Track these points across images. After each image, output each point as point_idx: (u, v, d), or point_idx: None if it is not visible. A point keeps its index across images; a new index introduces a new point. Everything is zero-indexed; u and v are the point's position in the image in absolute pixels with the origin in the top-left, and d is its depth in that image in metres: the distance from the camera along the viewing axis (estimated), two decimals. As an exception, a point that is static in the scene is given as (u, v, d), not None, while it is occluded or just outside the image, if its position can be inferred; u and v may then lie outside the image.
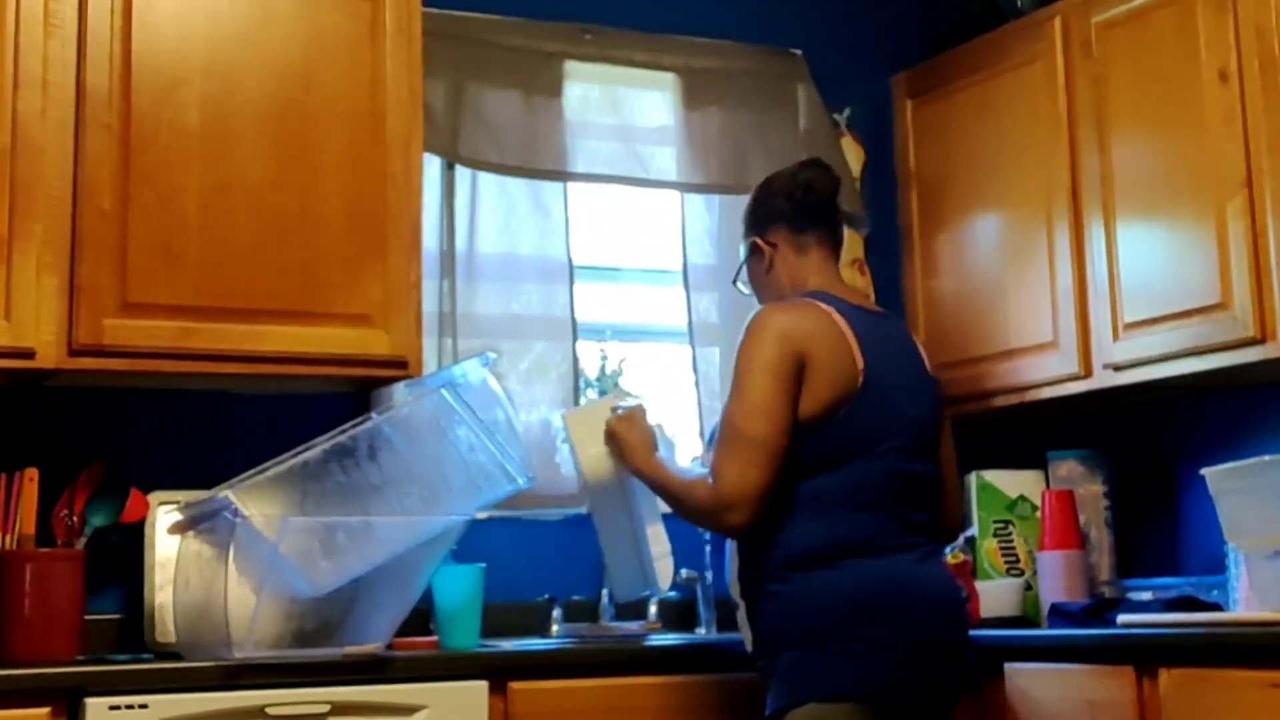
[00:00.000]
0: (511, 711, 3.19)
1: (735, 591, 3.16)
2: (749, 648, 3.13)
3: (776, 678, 3.00)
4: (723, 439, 3.05)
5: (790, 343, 3.02)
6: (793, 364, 3.01)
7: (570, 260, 4.16)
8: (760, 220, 3.28)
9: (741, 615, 3.14)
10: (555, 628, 3.91)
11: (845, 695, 2.93)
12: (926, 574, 3.05)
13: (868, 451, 3.03)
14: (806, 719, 2.92)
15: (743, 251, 3.33)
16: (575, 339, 4.14)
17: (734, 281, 3.40)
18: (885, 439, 3.05)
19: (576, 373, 4.14)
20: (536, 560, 4.00)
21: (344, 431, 3.24)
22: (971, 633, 3.15)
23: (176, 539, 3.30)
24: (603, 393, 4.50)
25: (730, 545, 3.19)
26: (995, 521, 4.14)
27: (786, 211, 3.24)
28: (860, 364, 3.04)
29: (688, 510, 3.12)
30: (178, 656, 3.19)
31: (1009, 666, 3.44)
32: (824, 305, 3.10)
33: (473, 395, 3.40)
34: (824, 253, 3.24)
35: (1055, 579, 3.84)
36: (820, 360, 3.03)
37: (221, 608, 3.07)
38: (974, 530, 4.12)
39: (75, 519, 3.38)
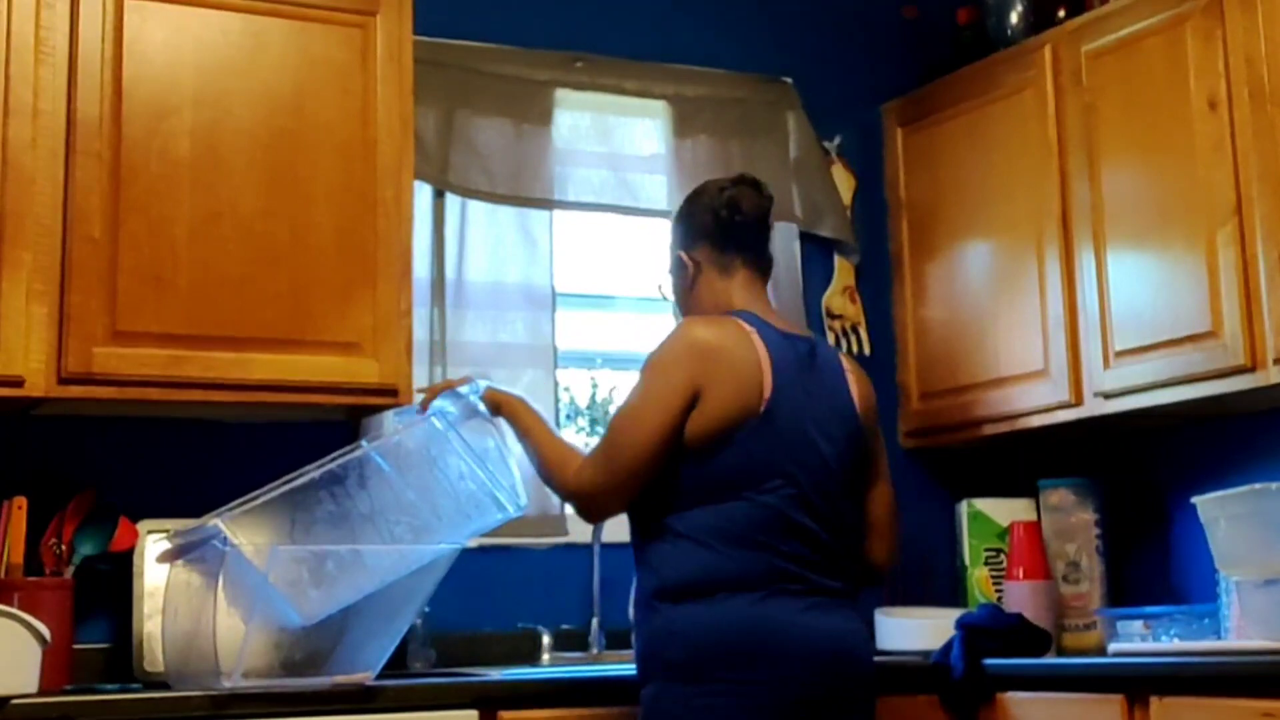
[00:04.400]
0: (501, 741, 3.18)
1: (632, 615, 3.14)
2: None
3: (641, 708, 2.97)
4: (603, 436, 3.06)
5: (697, 360, 2.95)
6: (690, 384, 2.94)
7: (554, 289, 4.15)
8: (685, 234, 3.17)
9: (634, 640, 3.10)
10: (545, 657, 3.90)
11: None
12: (810, 623, 2.90)
13: (756, 485, 2.92)
14: None
15: (669, 262, 3.23)
16: (555, 367, 4.13)
17: (659, 289, 3.29)
18: (777, 474, 2.93)
19: (556, 400, 4.13)
20: (525, 589, 3.99)
21: (334, 460, 3.23)
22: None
23: (165, 568, 3.28)
24: (592, 420, 4.50)
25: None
26: (986, 550, 4.15)
27: (711, 229, 3.13)
28: (767, 391, 2.94)
29: (549, 479, 3.16)
30: (166, 686, 3.18)
31: (1000, 695, 3.44)
32: (745, 324, 3.02)
33: (463, 423, 3.39)
34: (750, 275, 3.13)
35: (1024, 609, 3.84)
36: (722, 380, 2.93)
37: (209, 637, 3.05)
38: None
39: (64, 548, 3.37)
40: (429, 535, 3.24)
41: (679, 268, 3.19)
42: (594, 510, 3.10)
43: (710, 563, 2.92)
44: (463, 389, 3.35)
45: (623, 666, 3.69)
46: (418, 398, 3.46)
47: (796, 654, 2.88)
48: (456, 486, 3.31)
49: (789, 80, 4.51)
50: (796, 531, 2.94)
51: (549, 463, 3.14)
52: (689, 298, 3.18)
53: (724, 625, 2.88)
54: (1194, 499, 3.35)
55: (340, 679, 3.11)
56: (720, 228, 3.13)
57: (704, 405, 2.94)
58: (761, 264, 3.17)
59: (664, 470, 2.96)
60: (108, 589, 3.52)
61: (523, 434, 3.23)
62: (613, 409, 3.09)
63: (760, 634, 2.87)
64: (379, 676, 3.37)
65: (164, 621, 3.30)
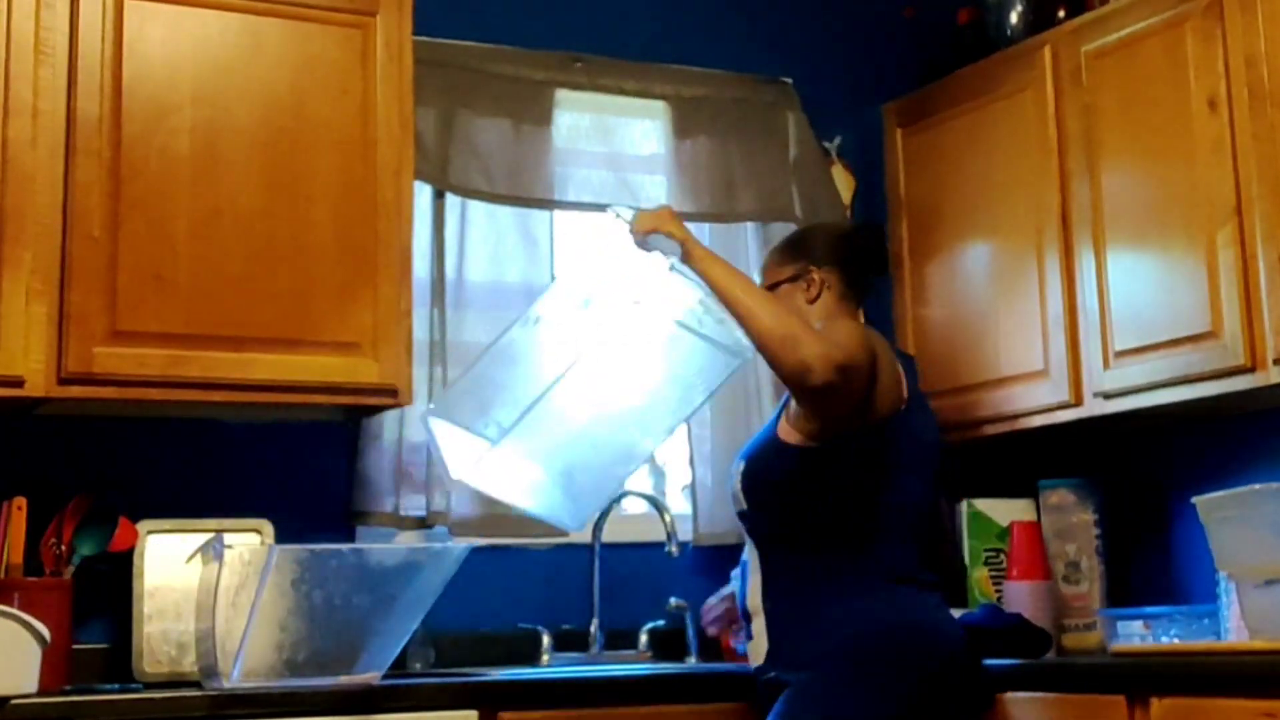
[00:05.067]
0: (502, 741, 3.18)
1: (755, 603, 3.14)
2: (757, 660, 3.12)
3: (792, 695, 3.00)
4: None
5: (871, 345, 3.12)
6: (872, 361, 3.10)
7: (553, 289, 4.16)
8: (814, 254, 3.35)
9: (758, 626, 3.13)
10: (545, 657, 3.90)
11: None
12: (946, 619, 3.14)
13: (900, 476, 3.12)
14: None
15: (780, 271, 3.36)
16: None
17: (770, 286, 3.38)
18: (915, 467, 3.15)
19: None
20: (525, 589, 3.99)
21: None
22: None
23: (163, 569, 3.28)
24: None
25: (753, 558, 3.17)
26: (986, 550, 4.14)
27: (847, 261, 3.34)
28: (905, 393, 3.16)
29: (772, 324, 3.03)
30: (166, 687, 3.18)
31: (1000, 695, 3.43)
32: (874, 331, 3.23)
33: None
34: (856, 313, 3.36)
35: (1024, 609, 3.84)
36: (879, 377, 3.11)
37: (212, 636, 3.07)
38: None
39: (63, 548, 3.37)
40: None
41: (803, 280, 3.33)
42: (833, 373, 2.97)
43: (870, 553, 3.06)
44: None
45: (623, 667, 3.69)
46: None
47: (943, 647, 3.06)
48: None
49: (789, 80, 4.51)
50: (932, 529, 3.18)
51: (763, 299, 3.12)
52: (804, 309, 3.29)
53: (889, 617, 3.01)
54: (1194, 499, 3.35)
55: (345, 679, 3.11)
56: (858, 266, 3.36)
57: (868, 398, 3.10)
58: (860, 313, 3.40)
59: (811, 463, 3.11)
60: (107, 589, 3.52)
61: (728, 280, 3.17)
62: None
63: (918, 627, 3.03)
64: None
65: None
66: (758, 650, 3.14)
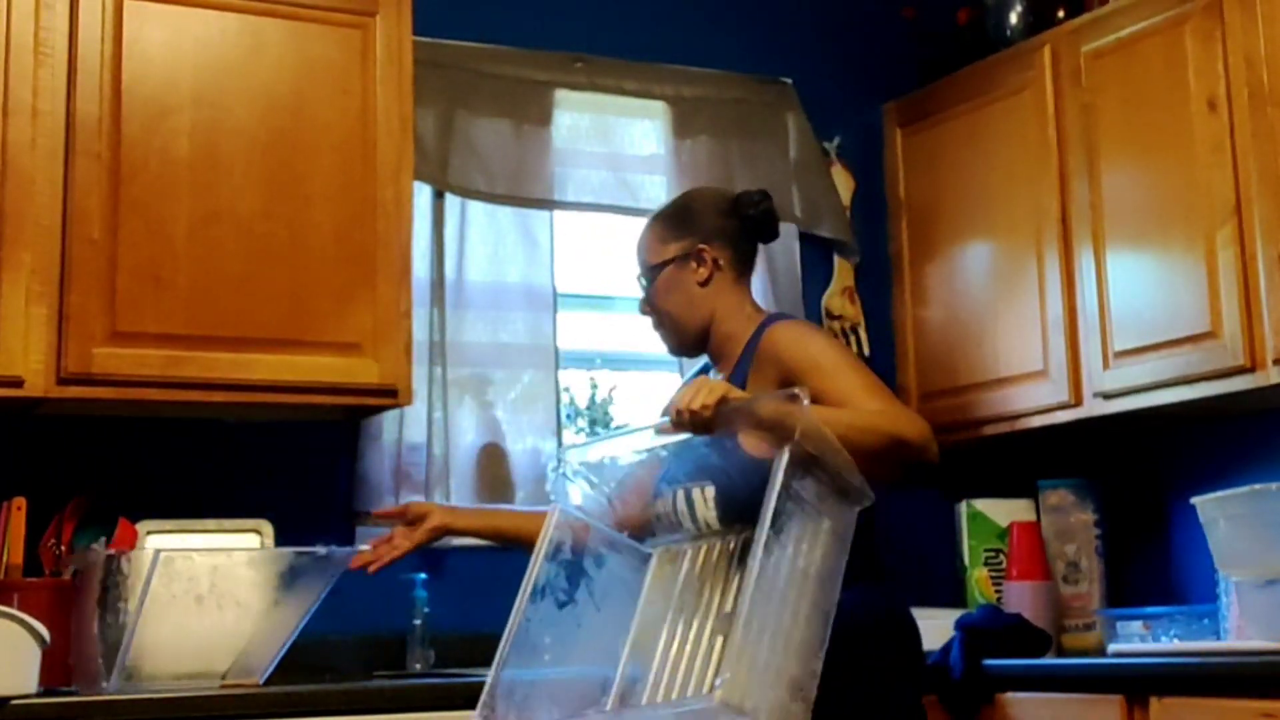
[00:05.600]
0: (501, 742, 3.18)
1: None
2: None
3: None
4: (861, 388, 2.72)
5: None
6: None
7: (554, 289, 4.15)
8: (706, 230, 2.97)
9: None
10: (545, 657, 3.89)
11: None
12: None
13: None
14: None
15: (664, 251, 2.97)
16: (558, 368, 4.13)
17: (641, 277, 3.03)
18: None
19: (559, 402, 4.13)
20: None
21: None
22: None
23: (160, 572, 3.27)
24: (592, 421, 4.49)
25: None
26: (985, 550, 4.14)
27: (734, 234, 2.98)
28: None
29: (889, 434, 2.66)
30: (165, 687, 3.18)
31: (1000, 696, 3.44)
32: None
33: None
34: (748, 291, 3.01)
35: (1023, 609, 3.84)
36: None
37: (211, 638, 3.07)
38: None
39: (63, 548, 3.36)
40: None
41: (692, 261, 2.96)
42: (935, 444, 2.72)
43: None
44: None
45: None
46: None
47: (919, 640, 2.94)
48: None
49: (789, 81, 4.51)
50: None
51: (861, 417, 2.67)
52: (694, 292, 2.97)
53: (877, 607, 2.86)
54: (1194, 499, 3.35)
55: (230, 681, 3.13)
56: (745, 235, 2.99)
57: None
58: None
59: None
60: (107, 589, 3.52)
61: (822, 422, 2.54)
62: (805, 380, 2.66)
63: (902, 621, 2.90)
64: (379, 676, 3.39)
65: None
66: None
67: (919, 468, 2.72)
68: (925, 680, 2.99)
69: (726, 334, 2.95)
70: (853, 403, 2.69)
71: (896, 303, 4.48)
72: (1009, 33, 4.26)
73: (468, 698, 3.16)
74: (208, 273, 3.38)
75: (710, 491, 2.77)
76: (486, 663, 3.77)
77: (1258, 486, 3.24)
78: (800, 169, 4.44)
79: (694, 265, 2.94)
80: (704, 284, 2.95)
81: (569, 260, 4.28)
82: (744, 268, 2.99)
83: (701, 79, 4.39)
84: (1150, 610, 3.67)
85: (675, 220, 3.00)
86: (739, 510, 2.69)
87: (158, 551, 3.09)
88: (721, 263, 2.95)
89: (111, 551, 3.13)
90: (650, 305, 3.00)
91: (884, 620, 2.92)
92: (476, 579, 3.80)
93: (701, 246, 2.94)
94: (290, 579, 3.23)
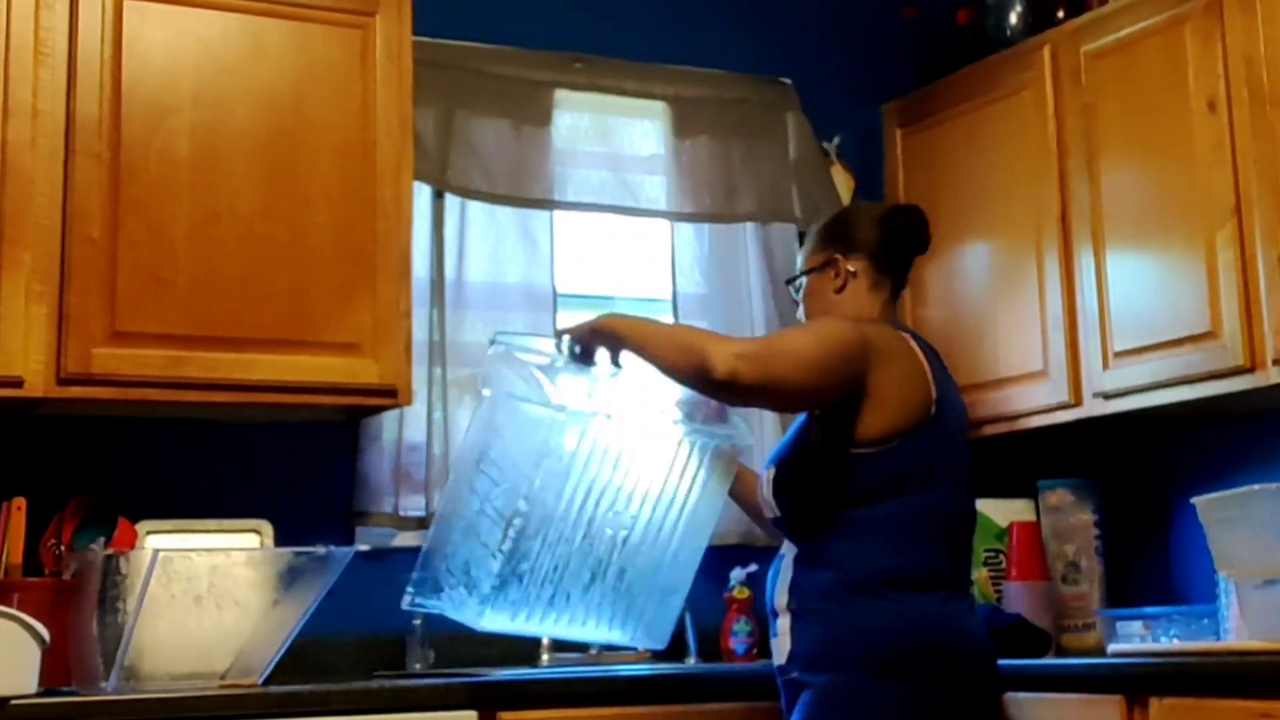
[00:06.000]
0: (500, 742, 3.18)
1: (781, 603, 3.13)
2: (780, 659, 3.11)
3: (812, 698, 2.99)
4: (763, 339, 3.07)
5: (864, 348, 3.00)
6: (855, 364, 2.99)
7: (554, 289, 4.15)
8: (847, 241, 3.22)
9: (783, 625, 3.12)
10: (544, 657, 3.90)
11: None
12: (974, 626, 3.05)
13: (931, 479, 3.02)
14: None
15: (810, 260, 3.26)
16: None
17: (788, 282, 3.36)
18: (943, 471, 3.05)
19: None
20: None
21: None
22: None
23: (159, 572, 3.28)
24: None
25: (786, 557, 3.15)
26: (986, 551, 4.14)
27: (877, 245, 3.21)
28: (934, 393, 3.05)
29: (671, 348, 3.01)
30: (165, 687, 3.18)
31: (1000, 696, 3.43)
32: (902, 332, 3.13)
33: None
34: (890, 299, 3.24)
35: (1023, 609, 3.84)
36: (894, 380, 3.02)
37: (211, 638, 3.07)
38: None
39: (63, 548, 3.37)
40: None
41: (830, 269, 3.21)
42: (747, 374, 2.92)
43: (902, 559, 2.99)
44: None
45: (621, 667, 3.69)
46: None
47: (973, 652, 3.00)
48: None
49: (788, 81, 4.51)
50: (966, 530, 3.11)
51: (680, 349, 3.02)
52: (831, 300, 3.21)
53: (917, 622, 2.95)
54: (1193, 499, 3.35)
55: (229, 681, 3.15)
56: (887, 248, 3.22)
57: (878, 403, 3.01)
58: (899, 293, 3.29)
59: (839, 467, 3.03)
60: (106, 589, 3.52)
61: (638, 346, 3.07)
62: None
63: (945, 634, 2.97)
64: (379, 676, 3.38)
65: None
66: (781, 649, 3.13)
67: (721, 398, 3.07)
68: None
69: None
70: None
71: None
72: (1009, 33, 4.26)
73: (468, 698, 3.17)
74: (208, 273, 3.38)
75: (771, 472, 3.14)
76: (486, 663, 3.80)
77: (1257, 486, 3.23)
78: (800, 169, 4.44)
79: (831, 274, 3.20)
80: (839, 291, 3.20)
81: (569, 260, 4.28)
82: (882, 277, 3.21)
83: (701, 79, 4.40)
84: (1150, 610, 3.67)
85: (826, 231, 3.27)
86: (788, 492, 3.10)
87: (157, 551, 3.10)
88: (858, 272, 3.20)
89: (111, 551, 3.14)
90: (800, 307, 3.28)
91: (903, 641, 2.96)
92: (476, 579, 3.81)
93: (837, 256, 3.20)
94: (290, 579, 3.24)
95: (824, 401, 2.99)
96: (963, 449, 3.12)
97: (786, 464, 3.13)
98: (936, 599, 2.98)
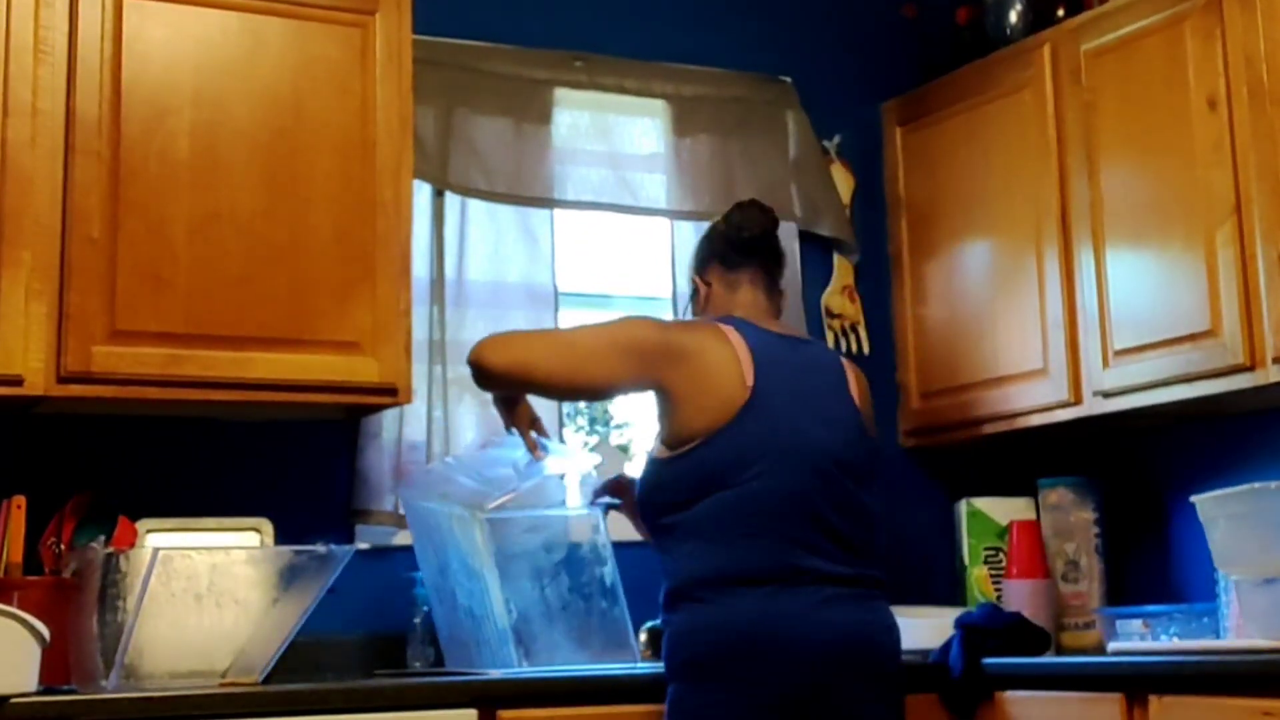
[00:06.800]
0: (500, 740, 3.18)
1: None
2: None
3: (666, 709, 3.02)
4: (546, 331, 3.54)
5: (661, 348, 3.11)
6: (647, 361, 3.10)
7: (555, 288, 4.15)
8: (699, 261, 3.37)
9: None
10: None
11: None
12: (825, 617, 2.94)
13: (747, 470, 2.98)
14: None
15: (687, 291, 3.43)
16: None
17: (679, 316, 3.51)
18: (766, 458, 2.99)
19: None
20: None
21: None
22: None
23: (159, 570, 3.28)
24: (591, 420, 4.50)
25: None
26: (985, 549, 4.14)
27: (720, 250, 3.32)
28: (749, 381, 3.04)
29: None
30: (165, 685, 3.18)
31: (1000, 694, 3.44)
32: (723, 326, 3.15)
33: None
34: (755, 288, 3.29)
35: (1023, 608, 3.84)
36: (688, 379, 3.06)
37: (211, 636, 3.07)
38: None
39: (63, 547, 3.37)
40: None
41: (694, 293, 3.37)
42: (491, 359, 3.19)
43: (718, 559, 2.97)
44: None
45: (621, 666, 3.69)
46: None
47: (808, 648, 2.92)
48: None
49: (788, 79, 4.51)
50: (801, 516, 3.00)
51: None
52: (702, 316, 3.32)
53: (735, 623, 2.92)
54: (1193, 498, 3.35)
55: (229, 680, 3.15)
56: (728, 248, 3.31)
57: (679, 404, 3.06)
58: (770, 274, 3.32)
59: (657, 474, 3.07)
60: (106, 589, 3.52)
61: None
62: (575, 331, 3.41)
63: (771, 629, 2.91)
64: (379, 675, 3.38)
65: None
66: None
67: (481, 385, 3.30)
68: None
69: None
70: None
71: (896, 301, 4.48)
72: (1009, 31, 4.26)
73: (468, 696, 3.17)
74: (207, 272, 3.38)
75: None
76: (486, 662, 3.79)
77: (1257, 485, 3.23)
78: (800, 167, 4.44)
79: (699, 297, 3.35)
80: (705, 308, 3.33)
81: (569, 258, 4.28)
82: (731, 274, 3.30)
83: (701, 77, 4.39)
84: (1150, 609, 3.67)
85: (690, 263, 3.42)
86: (639, 500, 3.27)
87: (156, 550, 3.10)
88: (712, 282, 3.33)
89: (111, 550, 3.15)
90: None
91: (720, 645, 2.95)
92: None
93: (695, 279, 3.37)
94: (289, 577, 3.24)
95: (602, 393, 3.28)
96: (802, 432, 3.03)
97: (640, 482, 3.19)
98: (759, 595, 2.93)
